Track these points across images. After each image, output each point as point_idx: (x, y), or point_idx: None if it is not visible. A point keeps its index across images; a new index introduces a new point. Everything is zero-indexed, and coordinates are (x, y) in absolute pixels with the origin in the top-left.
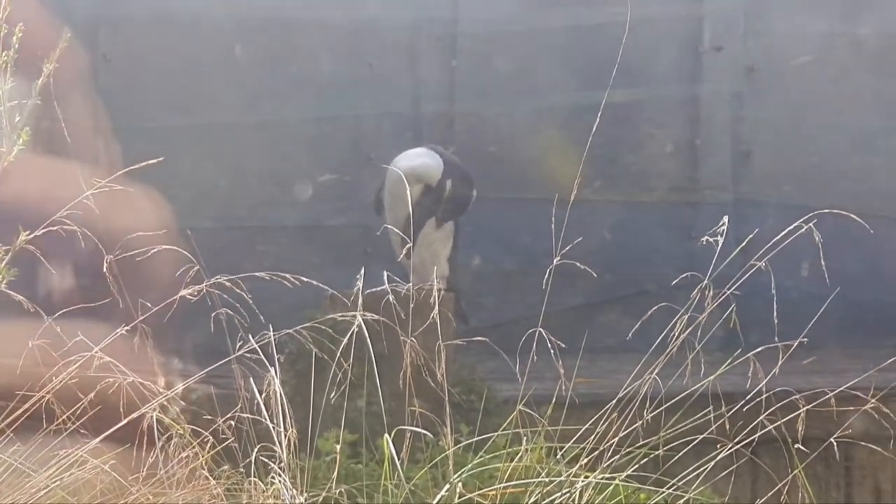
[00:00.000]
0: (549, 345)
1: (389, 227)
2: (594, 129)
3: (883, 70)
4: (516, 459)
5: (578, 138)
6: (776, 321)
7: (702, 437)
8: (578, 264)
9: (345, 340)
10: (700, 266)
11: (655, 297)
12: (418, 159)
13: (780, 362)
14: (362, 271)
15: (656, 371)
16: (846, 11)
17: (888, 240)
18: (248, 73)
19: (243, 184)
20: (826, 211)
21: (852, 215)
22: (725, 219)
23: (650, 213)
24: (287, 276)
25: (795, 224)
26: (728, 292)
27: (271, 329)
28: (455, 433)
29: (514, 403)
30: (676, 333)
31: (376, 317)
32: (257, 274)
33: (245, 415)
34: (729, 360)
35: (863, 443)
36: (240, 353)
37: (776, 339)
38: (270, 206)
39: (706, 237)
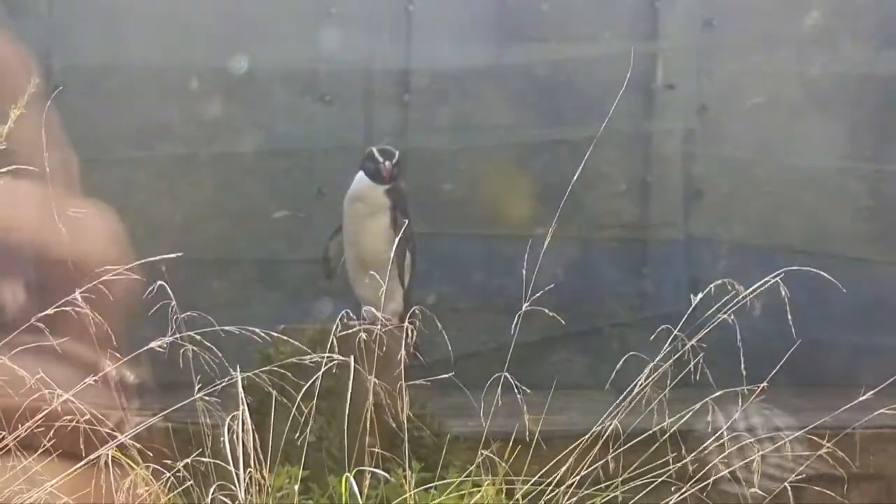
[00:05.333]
0: (514, 386)
1: (350, 261)
2: (568, 167)
3: (835, 110)
4: (474, 500)
5: (531, 175)
6: (742, 367)
7: (660, 480)
8: (546, 310)
9: (306, 385)
10: (651, 304)
11: (607, 334)
12: (354, 186)
13: (740, 408)
14: (344, 314)
15: (620, 416)
16: (799, 51)
17: (838, 279)
18: (203, 106)
19: (198, 217)
20: (795, 268)
21: (821, 271)
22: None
23: (602, 250)
24: (256, 329)
25: (763, 281)
26: (689, 340)
27: (230, 368)
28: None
29: (465, 440)
30: (642, 379)
31: (336, 357)
32: (227, 328)
33: (205, 458)
34: (689, 409)
35: (817, 487)
36: (200, 394)
37: (742, 379)
38: (225, 240)
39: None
